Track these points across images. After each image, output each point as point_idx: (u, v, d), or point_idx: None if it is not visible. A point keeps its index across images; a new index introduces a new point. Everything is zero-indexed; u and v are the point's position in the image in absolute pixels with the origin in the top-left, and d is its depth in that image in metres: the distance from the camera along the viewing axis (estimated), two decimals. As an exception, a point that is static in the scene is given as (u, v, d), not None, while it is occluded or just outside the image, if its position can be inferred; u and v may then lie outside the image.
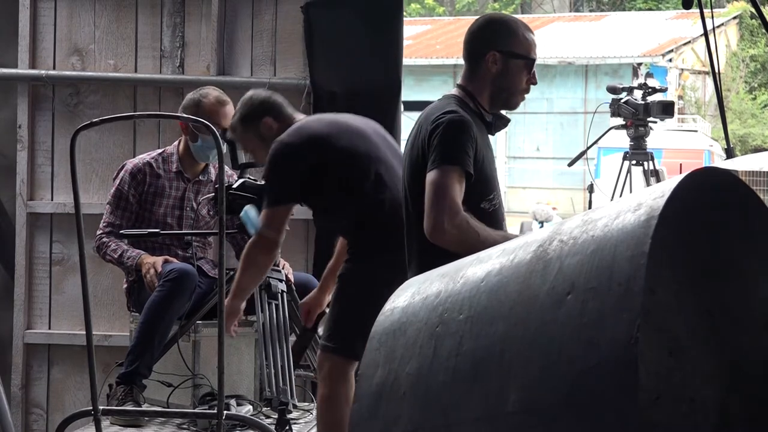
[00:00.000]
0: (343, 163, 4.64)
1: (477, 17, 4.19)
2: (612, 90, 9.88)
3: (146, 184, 5.59)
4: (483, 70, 3.96)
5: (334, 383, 4.51)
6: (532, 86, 4.04)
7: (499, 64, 3.94)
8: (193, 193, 5.64)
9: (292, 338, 5.12)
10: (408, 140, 3.99)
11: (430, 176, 3.75)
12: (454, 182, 3.72)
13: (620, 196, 9.57)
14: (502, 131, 4.35)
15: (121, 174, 5.62)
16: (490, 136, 4.13)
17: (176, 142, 5.71)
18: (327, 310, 4.93)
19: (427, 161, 3.80)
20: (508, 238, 3.74)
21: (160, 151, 5.71)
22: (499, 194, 3.98)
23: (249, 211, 4.91)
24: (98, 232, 5.56)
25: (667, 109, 9.75)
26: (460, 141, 3.77)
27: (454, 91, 4.01)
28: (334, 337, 4.57)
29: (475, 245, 3.61)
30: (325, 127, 4.75)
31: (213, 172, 5.69)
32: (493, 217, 3.89)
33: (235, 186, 5.09)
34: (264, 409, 5.31)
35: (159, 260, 5.43)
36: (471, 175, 3.77)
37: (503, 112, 4.09)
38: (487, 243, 3.63)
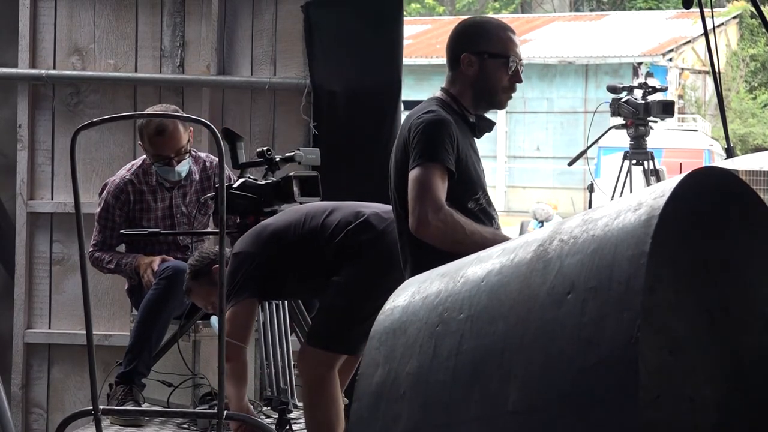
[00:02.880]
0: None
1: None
2: (612, 89, 9.89)
3: (131, 203, 5.55)
4: (460, 73, 3.98)
5: (317, 370, 4.53)
6: (518, 84, 4.04)
7: (475, 65, 3.96)
8: (180, 198, 5.62)
9: (293, 338, 5.12)
10: (395, 143, 4.00)
11: (412, 174, 3.78)
12: (436, 178, 3.75)
13: (620, 195, 9.57)
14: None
15: (104, 195, 5.58)
16: (487, 135, 4.15)
17: None
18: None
19: (406, 161, 3.83)
20: (497, 234, 3.76)
21: (139, 162, 5.64)
22: (486, 194, 3.99)
23: (214, 322, 4.97)
24: (89, 250, 5.55)
25: (667, 109, 9.75)
26: (439, 139, 3.80)
27: (438, 93, 4.03)
28: (320, 331, 4.58)
29: (461, 239, 3.64)
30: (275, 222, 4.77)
31: (196, 173, 5.65)
32: (481, 217, 3.90)
33: (235, 186, 5.09)
34: (264, 408, 5.31)
35: (156, 259, 5.44)
36: (453, 173, 3.80)
37: (493, 113, 4.11)
38: (474, 236, 3.65)
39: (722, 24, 26.43)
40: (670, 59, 26.25)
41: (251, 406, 4.84)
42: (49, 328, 6.51)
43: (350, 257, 4.55)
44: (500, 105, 4.07)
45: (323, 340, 4.56)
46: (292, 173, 5.12)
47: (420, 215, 3.72)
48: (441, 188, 3.75)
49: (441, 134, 3.80)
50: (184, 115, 5.40)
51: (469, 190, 3.90)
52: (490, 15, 28.03)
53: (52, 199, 6.50)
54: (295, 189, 5.04)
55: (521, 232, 15.11)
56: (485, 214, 3.94)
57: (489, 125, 4.09)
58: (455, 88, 4.00)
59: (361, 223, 4.57)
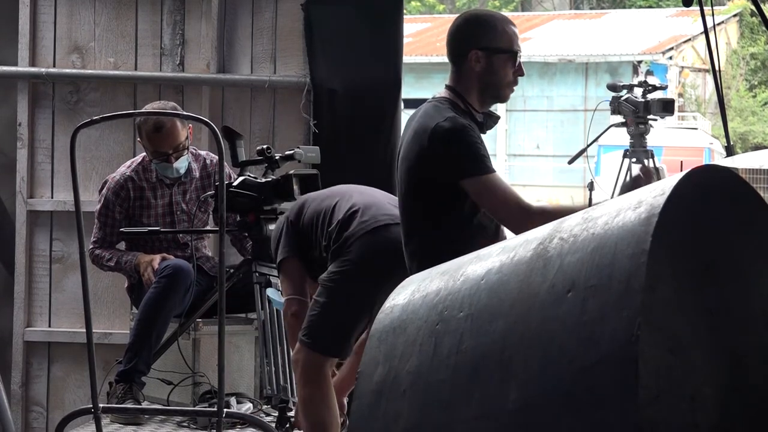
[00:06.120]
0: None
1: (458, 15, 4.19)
2: (612, 88, 9.87)
3: (131, 200, 5.56)
4: (467, 70, 3.95)
5: (311, 383, 4.51)
6: (520, 78, 4.04)
7: (482, 61, 3.93)
8: (180, 195, 5.62)
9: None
10: (402, 143, 3.97)
11: (477, 185, 3.76)
12: (503, 184, 3.79)
13: (620, 193, 9.55)
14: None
15: (104, 192, 5.59)
16: (487, 133, 4.16)
17: None
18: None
19: (426, 170, 3.81)
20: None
21: (139, 159, 5.65)
22: None
23: (272, 294, 4.96)
24: (90, 247, 5.56)
25: (667, 107, 9.73)
26: (480, 146, 3.81)
27: (443, 93, 3.99)
28: (307, 329, 4.57)
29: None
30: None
31: (196, 170, 5.65)
32: (489, 216, 3.90)
33: (235, 184, 5.09)
34: (264, 407, 5.32)
35: (156, 258, 5.44)
36: None
37: (494, 107, 4.11)
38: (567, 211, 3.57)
39: (722, 22, 26.42)
40: (670, 57, 26.25)
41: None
42: (49, 326, 6.51)
43: (336, 254, 4.53)
44: (504, 99, 4.07)
45: (307, 338, 4.53)
46: (292, 171, 5.13)
47: (519, 222, 3.67)
48: (511, 189, 3.80)
49: (477, 140, 3.82)
50: (185, 113, 5.40)
51: None
52: (490, 13, 27.98)
53: (52, 198, 6.49)
54: (295, 187, 5.05)
55: (521, 231, 15.06)
56: None
57: (495, 120, 4.09)
58: (461, 85, 3.96)
59: (350, 218, 4.54)
